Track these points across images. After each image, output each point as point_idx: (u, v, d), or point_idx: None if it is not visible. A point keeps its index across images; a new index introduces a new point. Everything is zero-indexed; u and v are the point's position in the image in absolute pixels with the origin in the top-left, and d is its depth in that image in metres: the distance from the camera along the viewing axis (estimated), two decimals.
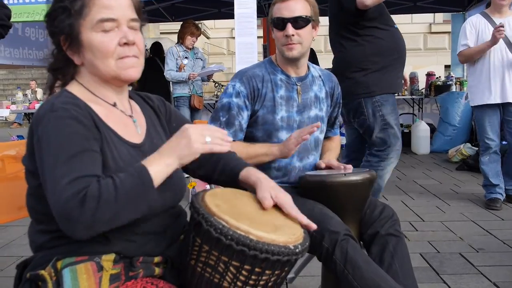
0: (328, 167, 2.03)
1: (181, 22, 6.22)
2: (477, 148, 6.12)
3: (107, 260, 1.15)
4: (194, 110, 5.93)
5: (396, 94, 3.32)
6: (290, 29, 1.93)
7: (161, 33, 14.08)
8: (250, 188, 1.40)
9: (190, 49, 5.89)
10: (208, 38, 15.94)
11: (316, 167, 2.09)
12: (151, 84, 6.82)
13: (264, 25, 8.48)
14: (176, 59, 5.76)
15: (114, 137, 1.22)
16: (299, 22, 1.95)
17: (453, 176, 5.58)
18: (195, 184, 4.49)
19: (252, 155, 1.94)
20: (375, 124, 3.15)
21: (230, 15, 7.46)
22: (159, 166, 1.11)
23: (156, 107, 1.43)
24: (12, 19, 4.67)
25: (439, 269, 2.81)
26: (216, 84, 10.45)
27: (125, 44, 1.21)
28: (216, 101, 8.44)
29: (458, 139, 7.01)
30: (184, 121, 1.49)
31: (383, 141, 3.17)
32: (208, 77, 6.10)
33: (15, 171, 1.52)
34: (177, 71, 5.75)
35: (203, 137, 1.15)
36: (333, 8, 3.25)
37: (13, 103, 7.58)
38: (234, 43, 4.98)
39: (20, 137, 5.78)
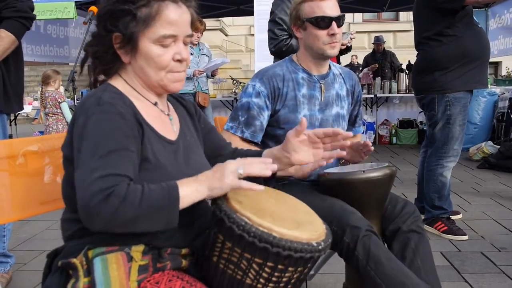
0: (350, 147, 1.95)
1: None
2: (498, 146, 6.03)
3: (137, 251, 1.16)
4: (200, 107, 5.84)
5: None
6: (336, 27, 1.94)
7: None
8: (274, 159, 1.41)
9: (195, 44, 5.77)
10: (226, 35, 15.94)
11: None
12: None
13: None
14: None
15: (152, 134, 1.25)
16: (341, 21, 1.97)
17: (474, 174, 5.50)
18: None
19: None
20: (441, 120, 3.32)
21: (249, 12, 7.46)
22: (189, 189, 1.11)
23: (189, 107, 1.49)
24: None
25: (461, 268, 2.77)
26: (234, 81, 10.48)
27: (178, 60, 1.25)
28: (235, 98, 8.47)
29: (479, 137, 6.92)
30: (209, 125, 1.55)
31: (443, 136, 3.34)
32: (212, 74, 5.94)
33: (37, 167, 1.53)
34: None
35: (236, 171, 1.14)
36: (424, 13, 3.35)
37: (35, 99, 7.66)
38: (252, 40, 4.99)
39: (41, 132, 5.86)
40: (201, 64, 5.79)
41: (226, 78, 9.48)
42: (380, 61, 8.66)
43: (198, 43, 5.81)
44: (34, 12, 2.61)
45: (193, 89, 5.71)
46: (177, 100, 1.48)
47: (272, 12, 3.39)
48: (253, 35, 5.04)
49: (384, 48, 8.78)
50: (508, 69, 7.82)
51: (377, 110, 8.53)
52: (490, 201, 4.28)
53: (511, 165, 5.48)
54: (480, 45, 3.26)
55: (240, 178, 1.14)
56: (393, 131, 8.21)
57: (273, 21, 3.34)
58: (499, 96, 7.07)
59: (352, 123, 2.24)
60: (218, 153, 1.53)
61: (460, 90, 3.24)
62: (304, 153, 1.42)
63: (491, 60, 3.82)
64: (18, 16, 2.42)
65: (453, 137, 3.31)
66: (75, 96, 4.09)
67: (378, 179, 1.78)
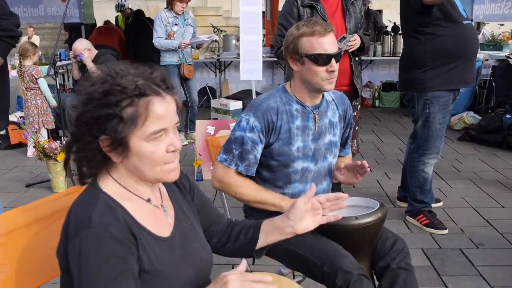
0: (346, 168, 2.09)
1: None
2: (480, 118, 6.11)
3: None
4: (185, 79, 5.78)
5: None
6: (334, 64, 1.92)
7: None
8: (275, 229, 1.48)
9: (180, 15, 5.62)
10: None
11: (336, 169, 2.15)
12: (143, 50, 6.47)
13: None
14: (166, 25, 5.51)
15: (148, 236, 1.22)
16: (339, 57, 1.95)
17: (455, 148, 5.59)
18: (201, 163, 4.50)
19: (259, 200, 2.00)
20: (421, 117, 3.35)
21: None
22: None
23: (181, 185, 1.45)
24: None
25: (440, 269, 2.90)
26: (215, 29, 10.20)
27: (172, 151, 1.22)
28: (218, 60, 8.31)
29: (461, 103, 6.90)
30: (203, 198, 1.52)
31: (423, 134, 3.38)
32: (198, 46, 5.85)
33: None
34: (166, 38, 5.53)
35: None
36: (401, 9, 3.37)
37: (13, 68, 7.33)
38: None
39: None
40: (186, 35, 5.67)
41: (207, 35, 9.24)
42: None
43: (183, 13, 5.65)
44: None
45: (178, 61, 5.63)
46: None
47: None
48: None
49: (368, 7, 8.61)
50: (493, 32, 7.77)
51: (361, 72, 8.48)
52: (470, 184, 4.40)
53: (491, 139, 5.58)
54: (463, 44, 3.19)
55: None
56: (376, 94, 8.22)
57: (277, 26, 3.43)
58: (482, 62, 7.07)
59: (342, 145, 2.25)
60: (211, 225, 1.54)
61: (440, 89, 3.23)
62: (308, 221, 1.47)
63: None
64: (3, 36, 2.32)
65: (433, 135, 3.35)
66: (57, 81, 3.93)
67: (370, 225, 1.82)
